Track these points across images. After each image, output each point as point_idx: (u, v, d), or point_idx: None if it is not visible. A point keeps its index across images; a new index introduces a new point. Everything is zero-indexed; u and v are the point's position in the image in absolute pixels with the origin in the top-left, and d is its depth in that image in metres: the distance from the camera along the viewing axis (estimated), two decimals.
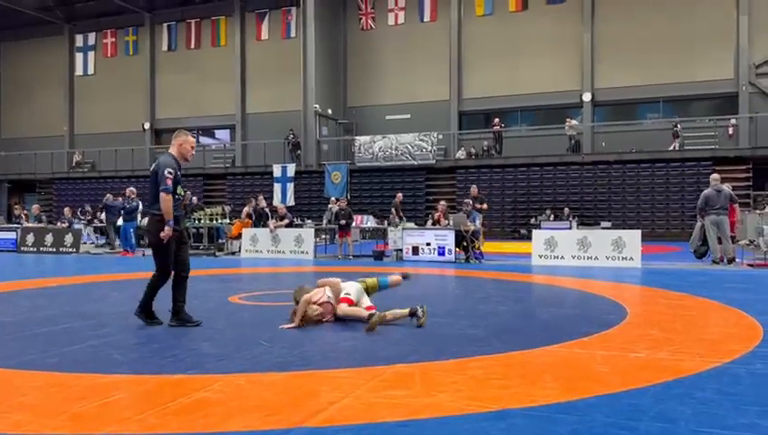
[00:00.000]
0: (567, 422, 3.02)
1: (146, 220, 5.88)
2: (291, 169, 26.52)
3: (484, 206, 15.77)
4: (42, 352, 4.61)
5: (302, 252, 14.68)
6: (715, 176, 12.49)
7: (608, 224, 20.99)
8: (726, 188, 12.18)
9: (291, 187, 26.46)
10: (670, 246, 18.61)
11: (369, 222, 19.17)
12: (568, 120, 24.81)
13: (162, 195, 5.43)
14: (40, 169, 32.74)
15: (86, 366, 4.16)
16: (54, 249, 17.05)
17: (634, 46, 24.87)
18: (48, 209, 28.85)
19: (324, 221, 17.51)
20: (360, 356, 4.47)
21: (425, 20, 28.07)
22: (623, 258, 11.87)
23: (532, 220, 22.77)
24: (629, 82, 24.99)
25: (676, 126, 23.11)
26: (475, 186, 16.50)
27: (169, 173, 5.49)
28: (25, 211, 21.70)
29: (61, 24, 34.36)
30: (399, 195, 18.25)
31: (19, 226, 19.15)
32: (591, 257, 12.14)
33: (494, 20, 27.02)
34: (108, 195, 18.88)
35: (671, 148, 22.93)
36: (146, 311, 5.64)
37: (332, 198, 20.73)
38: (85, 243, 19.23)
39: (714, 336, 5.14)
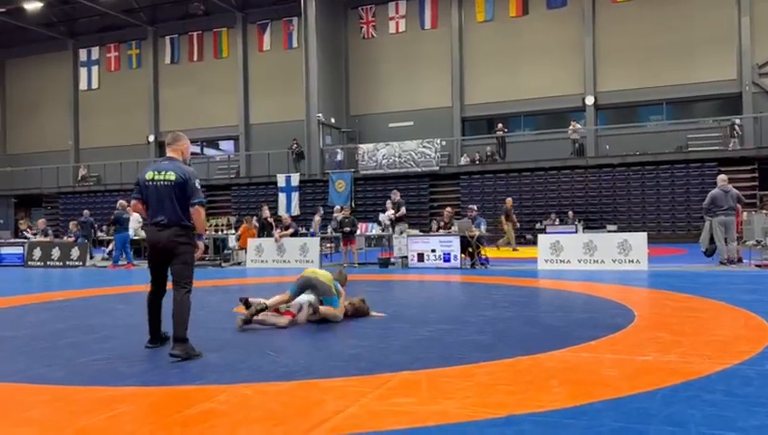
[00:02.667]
0: (575, 427, 3.00)
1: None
2: (295, 179, 26.62)
3: (402, 211, 14.90)
4: (47, 365, 4.61)
5: (308, 261, 14.67)
6: (723, 177, 12.46)
7: (613, 227, 20.91)
8: (733, 188, 12.16)
9: (295, 196, 26.56)
10: (676, 248, 18.53)
11: (374, 229, 19.13)
12: (573, 123, 24.78)
13: (198, 208, 5.00)
14: (46, 184, 32.89)
15: (92, 379, 4.16)
16: (61, 263, 17.11)
17: (635, 49, 24.85)
18: (54, 224, 28.94)
19: (329, 230, 17.51)
20: (366, 364, 4.45)
21: (426, 27, 28.14)
22: (629, 261, 11.81)
23: (538, 225, 22.72)
24: (632, 84, 24.96)
25: (734, 124, 22.69)
26: (396, 190, 16.20)
27: (200, 184, 5.13)
28: (30, 226, 21.86)
29: (64, 39, 34.62)
30: (509, 199, 19.68)
31: (26, 240, 19.21)
32: (598, 261, 12.09)
33: (495, 26, 27.07)
34: (85, 211, 20.59)
35: (730, 147, 22.54)
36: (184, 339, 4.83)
37: (337, 207, 20.74)
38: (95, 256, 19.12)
39: (722, 338, 5.10)
